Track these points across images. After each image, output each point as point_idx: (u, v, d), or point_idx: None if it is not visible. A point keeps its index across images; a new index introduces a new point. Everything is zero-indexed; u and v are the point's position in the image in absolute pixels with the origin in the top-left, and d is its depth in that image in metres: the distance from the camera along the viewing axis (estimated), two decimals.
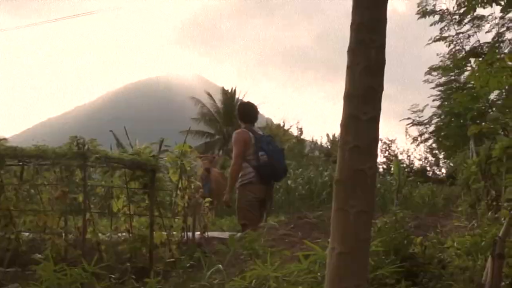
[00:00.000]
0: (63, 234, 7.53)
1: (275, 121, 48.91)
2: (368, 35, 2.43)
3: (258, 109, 8.01)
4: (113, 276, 5.82)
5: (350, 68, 2.48)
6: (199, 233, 9.36)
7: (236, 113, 9.68)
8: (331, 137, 45.09)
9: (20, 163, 8.18)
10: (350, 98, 2.48)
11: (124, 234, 8.65)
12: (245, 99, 40.64)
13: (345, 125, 2.49)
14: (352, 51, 2.49)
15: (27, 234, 9.50)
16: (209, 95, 51.50)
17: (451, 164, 28.05)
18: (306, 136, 46.78)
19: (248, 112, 7.91)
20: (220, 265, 4.34)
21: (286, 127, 45.73)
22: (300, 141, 44.38)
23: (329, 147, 43.91)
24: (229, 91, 51.41)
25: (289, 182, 22.90)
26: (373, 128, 2.46)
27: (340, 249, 2.43)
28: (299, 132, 45.47)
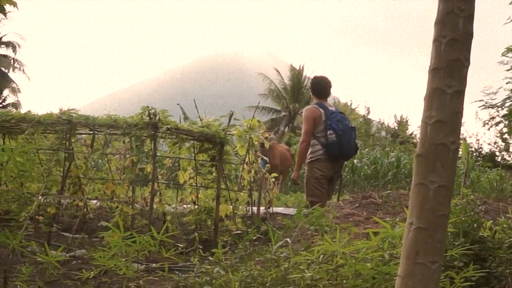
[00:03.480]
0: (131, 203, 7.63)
1: (343, 100, 48.54)
2: (457, 4, 2.36)
3: (332, 85, 7.80)
4: (180, 245, 5.89)
5: (437, 40, 2.42)
6: (263, 208, 9.40)
7: (309, 87, 9.50)
8: (398, 118, 44.58)
9: (91, 132, 8.29)
10: (435, 71, 2.42)
11: (189, 205, 8.74)
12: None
13: (428, 99, 2.43)
14: (440, 23, 2.42)
15: (95, 201, 9.73)
16: (277, 71, 51.39)
17: None
18: (373, 116, 46.26)
19: (323, 87, 7.72)
20: (288, 239, 4.32)
21: (353, 106, 45.29)
22: (367, 120, 43.93)
23: (396, 128, 43.42)
24: (297, 68, 51.26)
25: (354, 161, 22.81)
26: (457, 102, 2.39)
27: (418, 224, 2.39)
28: (367, 112, 44.97)
